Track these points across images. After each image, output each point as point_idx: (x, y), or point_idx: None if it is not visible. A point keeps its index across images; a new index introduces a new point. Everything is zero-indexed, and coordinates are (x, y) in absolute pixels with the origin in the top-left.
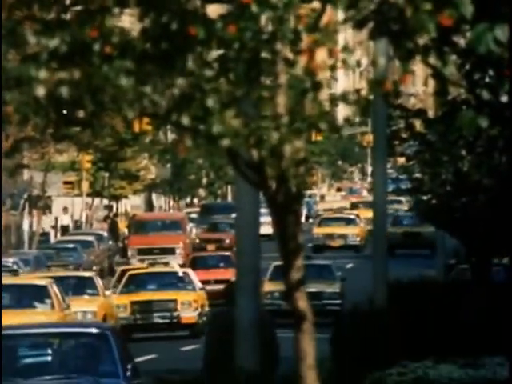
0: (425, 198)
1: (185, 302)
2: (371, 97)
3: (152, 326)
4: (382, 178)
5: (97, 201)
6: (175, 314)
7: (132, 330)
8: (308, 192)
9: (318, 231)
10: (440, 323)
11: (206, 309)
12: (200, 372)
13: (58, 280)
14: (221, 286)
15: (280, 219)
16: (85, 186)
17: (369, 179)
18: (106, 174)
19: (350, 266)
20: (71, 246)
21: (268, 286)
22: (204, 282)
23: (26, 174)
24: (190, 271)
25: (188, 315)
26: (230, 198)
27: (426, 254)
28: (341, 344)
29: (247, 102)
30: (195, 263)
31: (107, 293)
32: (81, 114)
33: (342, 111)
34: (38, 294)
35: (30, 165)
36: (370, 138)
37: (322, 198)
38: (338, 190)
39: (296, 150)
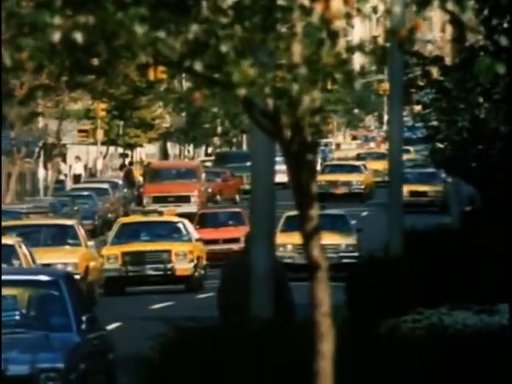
0: (441, 145)
1: (179, 253)
2: (387, 45)
3: (144, 279)
4: (398, 126)
5: (112, 149)
6: (169, 265)
7: (123, 282)
8: (323, 140)
9: (322, 178)
10: (455, 270)
11: (204, 262)
12: (216, 320)
13: (37, 228)
14: (230, 246)
15: (294, 168)
16: (99, 134)
17: (385, 127)
18: (121, 123)
19: (364, 214)
20: (86, 193)
21: (280, 238)
22: (212, 242)
23: (40, 122)
24: (186, 221)
25: (183, 267)
26: (245, 147)
27: (434, 212)
28: (356, 292)
29: (263, 51)
30: (203, 221)
31: (90, 243)
32: (95, 61)
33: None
34: (6, 255)
35: (44, 113)
36: (386, 85)
37: (338, 146)
38: (354, 138)
39: (312, 99)
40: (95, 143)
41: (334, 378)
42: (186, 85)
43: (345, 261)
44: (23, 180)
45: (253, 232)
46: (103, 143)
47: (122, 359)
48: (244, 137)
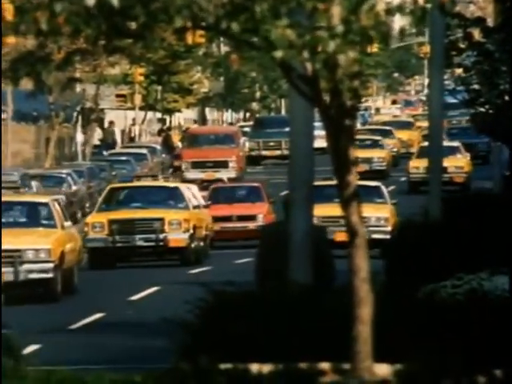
0: (482, 109)
1: (173, 222)
2: (428, 6)
3: (133, 250)
4: (438, 90)
5: (150, 114)
6: (161, 236)
7: (109, 254)
8: (363, 105)
9: None
10: (496, 235)
11: (204, 232)
12: (253, 284)
13: (5, 207)
14: (245, 224)
15: (333, 133)
16: (137, 99)
17: (425, 91)
18: (159, 88)
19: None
20: (124, 158)
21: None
22: (224, 219)
23: (78, 87)
24: (181, 185)
25: (177, 237)
26: (283, 112)
27: (454, 191)
28: (394, 257)
29: (301, 12)
30: (216, 196)
31: (67, 224)
32: (132, 25)
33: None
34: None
35: (81, 78)
36: (426, 48)
37: (377, 110)
38: (394, 102)
39: (350, 62)
40: (133, 108)
41: (373, 343)
42: (224, 49)
43: (376, 236)
44: (62, 145)
45: (291, 196)
46: (141, 108)
47: (159, 323)
48: (283, 102)
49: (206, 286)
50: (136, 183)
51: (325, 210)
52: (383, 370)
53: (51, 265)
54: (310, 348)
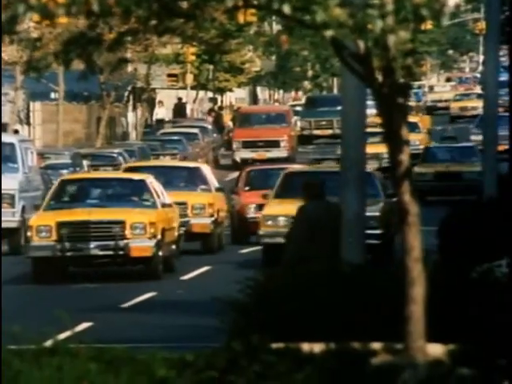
0: None
1: (137, 226)
2: None
3: (87, 261)
4: (494, 67)
5: (201, 93)
6: (121, 243)
7: (59, 265)
8: (416, 83)
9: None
10: None
11: (176, 233)
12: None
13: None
14: None
15: (386, 112)
16: (189, 78)
17: (480, 68)
18: (211, 67)
19: None
20: (176, 137)
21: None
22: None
23: (130, 66)
24: (147, 177)
25: (140, 245)
26: (335, 91)
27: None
28: (448, 236)
29: None
30: (252, 181)
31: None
32: (183, 4)
33: None
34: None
35: (133, 58)
36: (482, 24)
37: (431, 88)
38: (448, 80)
39: (402, 40)
40: (185, 87)
41: (425, 323)
42: (275, 28)
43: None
44: (113, 124)
45: (343, 176)
46: (193, 87)
47: (210, 302)
48: (335, 80)
49: (256, 266)
50: (91, 175)
51: None
52: (436, 349)
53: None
54: (363, 328)
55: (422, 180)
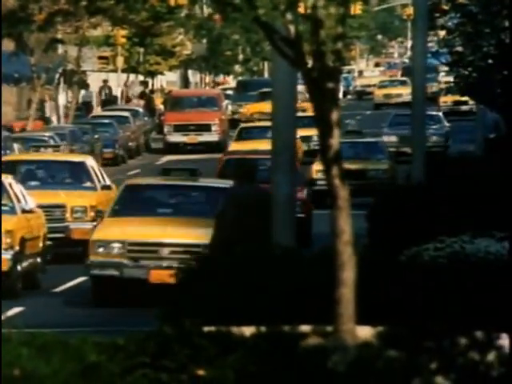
0: (465, 71)
1: (78, 209)
2: None
3: None
4: (421, 53)
5: (132, 76)
6: (62, 225)
7: None
8: (346, 68)
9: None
10: (478, 198)
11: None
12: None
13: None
14: None
15: (316, 96)
16: (120, 61)
17: (408, 54)
18: (141, 50)
19: None
20: (107, 121)
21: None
22: None
23: (60, 49)
24: (90, 161)
25: (81, 228)
26: (266, 75)
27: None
28: (377, 220)
29: None
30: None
31: None
32: None
33: None
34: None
35: (64, 40)
36: (410, 10)
37: (360, 73)
38: (377, 65)
39: (333, 21)
40: (115, 70)
41: (355, 306)
42: (206, 11)
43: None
44: (43, 107)
45: (274, 160)
46: (123, 70)
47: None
48: (266, 64)
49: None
50: (29, 156)
51: None
52: (365, 332)
53: None
54: (292, 311)
55: (320, 179)
